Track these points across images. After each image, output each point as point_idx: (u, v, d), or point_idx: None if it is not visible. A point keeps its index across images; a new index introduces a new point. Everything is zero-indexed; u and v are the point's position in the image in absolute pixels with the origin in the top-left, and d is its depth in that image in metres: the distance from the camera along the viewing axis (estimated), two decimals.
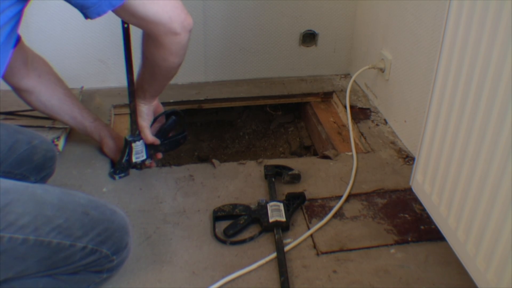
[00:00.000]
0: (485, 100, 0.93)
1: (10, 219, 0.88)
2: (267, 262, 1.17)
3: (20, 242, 0.89)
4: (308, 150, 1.98)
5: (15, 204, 0.90)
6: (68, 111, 1.41)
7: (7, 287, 0.95)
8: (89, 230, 0.95)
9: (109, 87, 1.89)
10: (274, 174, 1.45)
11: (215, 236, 1.24)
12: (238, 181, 1.46)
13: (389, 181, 1.47)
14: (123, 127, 1.74)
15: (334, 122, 1.86)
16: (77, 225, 0.94)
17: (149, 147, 1.45)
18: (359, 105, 1.86)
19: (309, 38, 2.01)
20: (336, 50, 2.06)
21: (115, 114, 1.79)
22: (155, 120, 1.44)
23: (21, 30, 1.75)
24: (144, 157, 1.45)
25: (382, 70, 1.77)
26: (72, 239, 0.93)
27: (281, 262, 1.15)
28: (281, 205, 1.30)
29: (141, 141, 1.42)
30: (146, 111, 1.39)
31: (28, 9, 1.70)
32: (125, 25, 1.24)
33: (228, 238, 1.23)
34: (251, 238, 1.23)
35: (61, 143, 1.52)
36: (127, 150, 1.42)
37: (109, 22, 1.77)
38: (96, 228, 0.96)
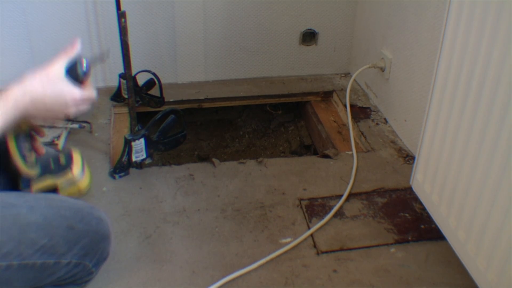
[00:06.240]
0: (486, 99, 0.93)
1: None
2: (267, 262, 1.17)
3: (3, 269, 0.88)
4: (308, 149, 1.98)
5: None
6: None
7: None
8: (73, 244, 0.94)
9: (109, 87, 1.89)
10: None
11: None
12: (238, 180, 1.46)
13: (389, 180, 1.47)
14: (123, 126, 1.74)
15: (334, 121, 1.86)
16: (62, 242, 0.93)
17: (148, 146, 1.45)
18: (359, 104, 1.86)
19: (309, 37, 2.01)
20: (336, 49, 2.06)
21: (115, 114, 1.79)
22: (154, 121, 1.44)
23: (21, 30, 1.77)
24: (144, 156, 1.45)
25: (382, 69, 1.76)
26: (56, 257, 0.93)
27: None
28: None
29: (141, 140, 1.42)
30: None
31: (28, 9, 1.72)
32: (122, 23, 1.23)
33: None
34: None
35: (61, 142, 1.52)
36: (126, 149, 1.42)
37: (109, 22, 1.77)
38: (81, 242, 0.95)
